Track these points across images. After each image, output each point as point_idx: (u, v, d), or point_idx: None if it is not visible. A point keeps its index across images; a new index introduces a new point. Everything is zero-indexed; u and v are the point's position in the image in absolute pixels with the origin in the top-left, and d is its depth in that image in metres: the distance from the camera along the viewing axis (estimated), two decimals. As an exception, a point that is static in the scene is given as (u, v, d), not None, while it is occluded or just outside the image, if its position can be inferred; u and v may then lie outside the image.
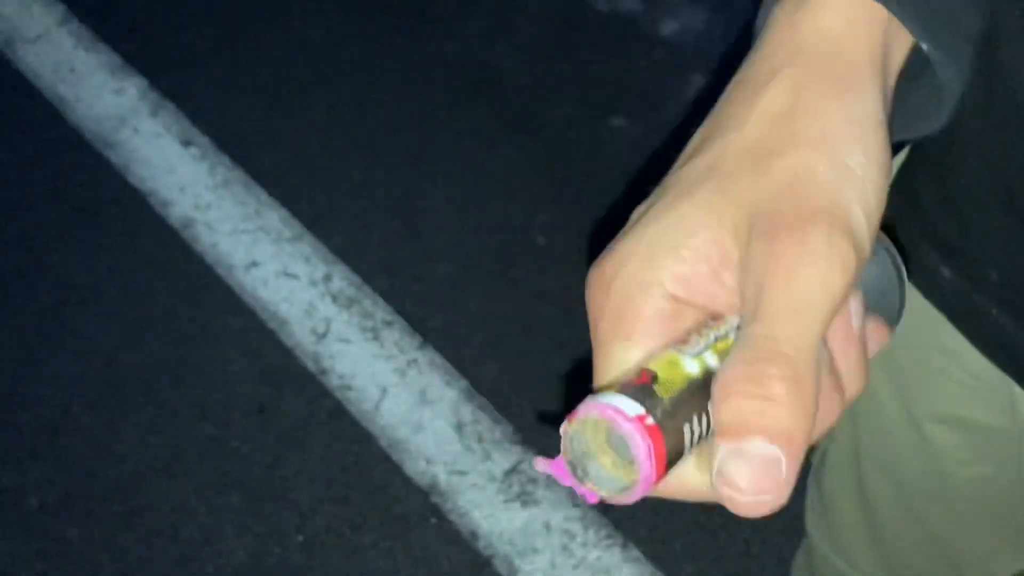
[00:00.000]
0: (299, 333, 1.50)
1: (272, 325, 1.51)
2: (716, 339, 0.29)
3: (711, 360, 0.28)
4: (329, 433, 1.42)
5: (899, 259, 0.35)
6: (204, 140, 1.71)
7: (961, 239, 0.50)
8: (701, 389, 0.27)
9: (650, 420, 0.26)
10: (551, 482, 1.36)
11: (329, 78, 1.81)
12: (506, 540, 1.32)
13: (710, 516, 1.35)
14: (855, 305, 0.31)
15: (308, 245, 1.59)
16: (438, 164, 1.70)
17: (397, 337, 1.50)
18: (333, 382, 1.46)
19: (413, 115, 1.76)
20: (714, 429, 0.26)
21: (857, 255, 0.28)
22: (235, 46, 1.85)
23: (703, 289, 0.29)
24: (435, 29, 1.87)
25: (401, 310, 1.53)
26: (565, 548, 1.32)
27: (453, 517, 1.35)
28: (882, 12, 0.32)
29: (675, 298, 0.29)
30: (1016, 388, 0.54)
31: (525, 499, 1.35)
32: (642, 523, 1.34)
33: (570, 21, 1.88)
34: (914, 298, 0.55)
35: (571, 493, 1.35)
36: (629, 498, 0.27)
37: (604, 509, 1.34)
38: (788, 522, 1.32)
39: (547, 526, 1.33)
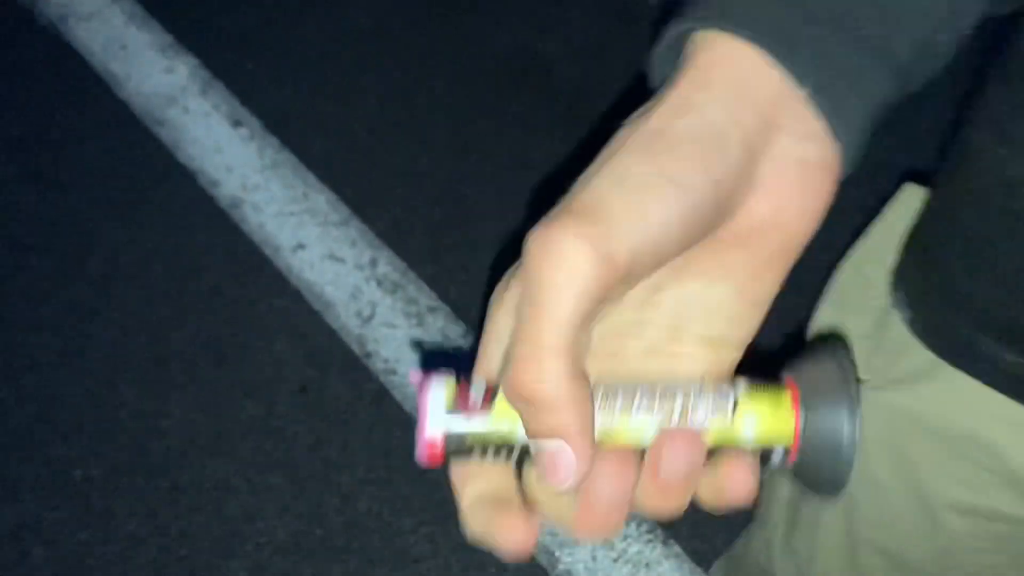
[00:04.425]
0: (344, 316, 1.51)
1: (317, 307, 1.52)
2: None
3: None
4: (372, 416, 1.43)
5: (859, 415, 0.30)
6: (253, 121, 1.72)
7: None
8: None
9: (438, 447, 0.31)
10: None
11: (379, 64, 1.81)
12: (547, 531, 1.32)
13: (751, 516, 1.34)
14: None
15: (354, 229, 1.60)
16: (485, 153, 1.70)
17: (442, 324, 1.50)
18: (378, 366, 1.46)
19: (461, 103, 1.76)
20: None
21: (604, 264, 0.28)
22: (287, 29, 1.86)
23: None
24: (485, 18, 1.87)
25: (445, 297, 1.53)
26: (606, 541, 1.31)
27: (494, 505, 1.35)
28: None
29: None
30: None
31: (567, 490, 1.35)
32: (684, 520, 1.33)
33: (620, 13, 1.87)
34: (952, 382, 0.52)
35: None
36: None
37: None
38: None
39: (588, 518, 1.33)
